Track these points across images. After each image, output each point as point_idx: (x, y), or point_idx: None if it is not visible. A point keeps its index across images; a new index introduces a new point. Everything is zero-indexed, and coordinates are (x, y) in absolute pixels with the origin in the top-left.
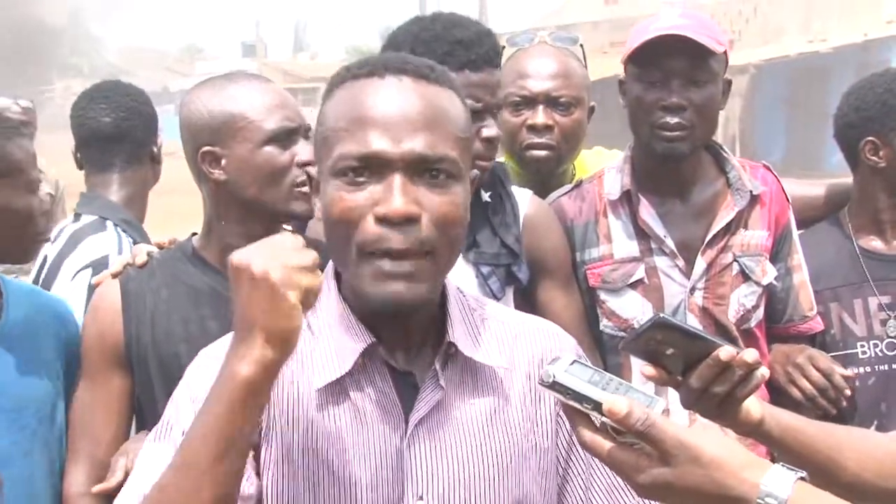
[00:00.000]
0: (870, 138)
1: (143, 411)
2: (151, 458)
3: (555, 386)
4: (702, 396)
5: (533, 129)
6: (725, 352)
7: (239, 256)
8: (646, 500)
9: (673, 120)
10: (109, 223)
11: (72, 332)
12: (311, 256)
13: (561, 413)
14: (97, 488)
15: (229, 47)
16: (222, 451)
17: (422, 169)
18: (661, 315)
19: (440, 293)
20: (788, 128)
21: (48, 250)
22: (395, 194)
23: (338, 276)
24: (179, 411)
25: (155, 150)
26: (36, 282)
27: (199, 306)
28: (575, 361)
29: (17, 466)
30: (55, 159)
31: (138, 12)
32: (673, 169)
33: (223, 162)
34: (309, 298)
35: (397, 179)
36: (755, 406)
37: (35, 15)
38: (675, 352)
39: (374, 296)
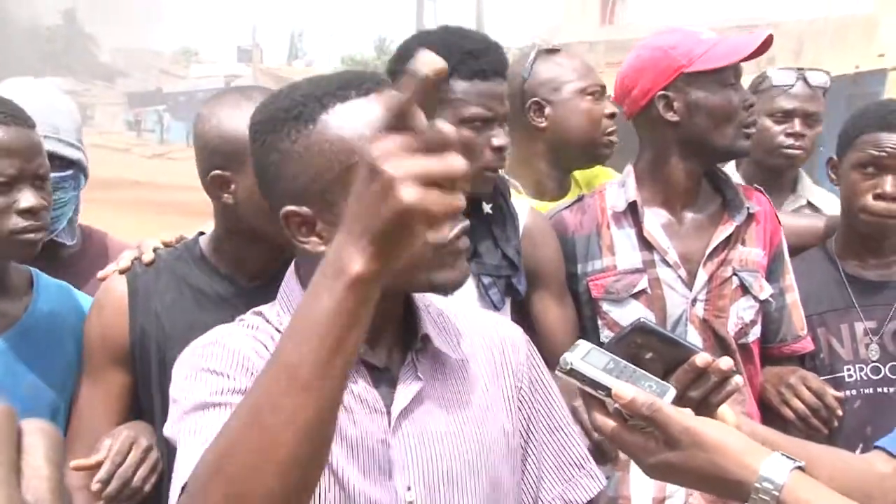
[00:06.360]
0: (831, 156)
1: (143, 407)
2: (201, 424)
3: (571, 373)
4: (678, 401)
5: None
6: (702, 358)
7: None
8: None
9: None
10: None
11: None
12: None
13: (521, 396)
14: (75, 463)
15: (225, 51)
16: (329, 357)
17: None
18: (642, 319)
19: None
20: None
21: None
22: None
23: (301, 278)
24: (209, 381)
25: None
26: None
27: (204, 311)
28: (592, 349)
29: None
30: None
31: (133, 13)
32: (689, 183)
33: (232, 187)
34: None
35: None
36: (730, 415)
37: (28, 13)
38: (653, 356)
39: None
